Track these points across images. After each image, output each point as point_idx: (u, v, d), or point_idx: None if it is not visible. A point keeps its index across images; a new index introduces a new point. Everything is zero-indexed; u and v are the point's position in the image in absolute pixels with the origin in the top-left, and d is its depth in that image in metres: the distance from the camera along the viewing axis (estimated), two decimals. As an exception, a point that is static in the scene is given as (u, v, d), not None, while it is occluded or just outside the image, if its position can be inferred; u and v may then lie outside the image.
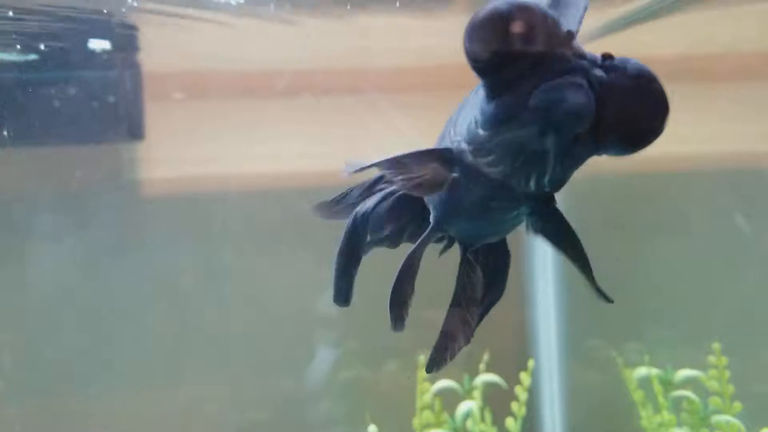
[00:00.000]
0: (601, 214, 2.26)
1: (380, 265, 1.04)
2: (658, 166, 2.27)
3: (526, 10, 0.72)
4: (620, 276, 2.29)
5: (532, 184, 0.81)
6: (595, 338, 2.24)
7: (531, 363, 1.85)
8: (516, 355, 2.20)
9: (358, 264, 1.11)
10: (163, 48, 2.01)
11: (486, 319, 2.25)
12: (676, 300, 2.22)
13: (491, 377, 1.84)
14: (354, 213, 1.11)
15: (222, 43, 1.98)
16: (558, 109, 0.72)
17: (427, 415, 1.83)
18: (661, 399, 1.79)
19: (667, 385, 1.81)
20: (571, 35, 0.75)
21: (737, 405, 1.78)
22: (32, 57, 1.74)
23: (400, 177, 0.87)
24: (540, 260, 2.30)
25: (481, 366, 1.93)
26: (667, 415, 1.74)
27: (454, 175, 0.87)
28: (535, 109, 0.73)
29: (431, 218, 0.98)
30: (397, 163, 0.87)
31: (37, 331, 2.09)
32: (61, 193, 2.12)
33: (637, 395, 1.87)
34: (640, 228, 2.26)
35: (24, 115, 1.92)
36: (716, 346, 1.80)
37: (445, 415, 1.86)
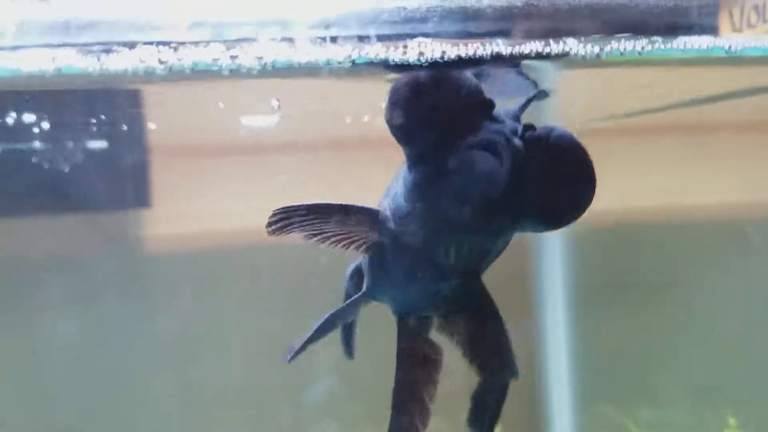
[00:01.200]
0: (609, 269, 2.24)
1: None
2: (673, 217, 2.26)
3: (441, 79, 0.72)
4: (631, 335, 2.28)
5: (452, 255, 0.79)
6: (608, 404, 2.20)
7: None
8: (527, 426, 2.17)
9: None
10: (165, 119, 2.04)
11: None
12: (690, 361, 2.19)
13: (502, 454, 1.81)
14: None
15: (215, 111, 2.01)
16: (469, 174, 0.71)
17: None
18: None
19: (683, 460, 1.78)
20: (491, 104, 0.73)
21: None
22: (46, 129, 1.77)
23: (328, 228, 0.85)
24: (551, 325, 2.27)
25: (493, 437, 1.90)
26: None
27: (381, 239, 0.85)
28: (455, 173, 0.72)
29: (364, 284, 0.96)
30: (328, 211, 0.85)
31: (46, 390, 2.09)
32: (70, 256, 2.14)
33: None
34: (650, 283, 2.24)
35: (35, 185, 1.96)
36: (731, 420, 1.77)
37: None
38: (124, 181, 2.08)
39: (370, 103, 1.19)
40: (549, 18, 0.69)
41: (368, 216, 0.84)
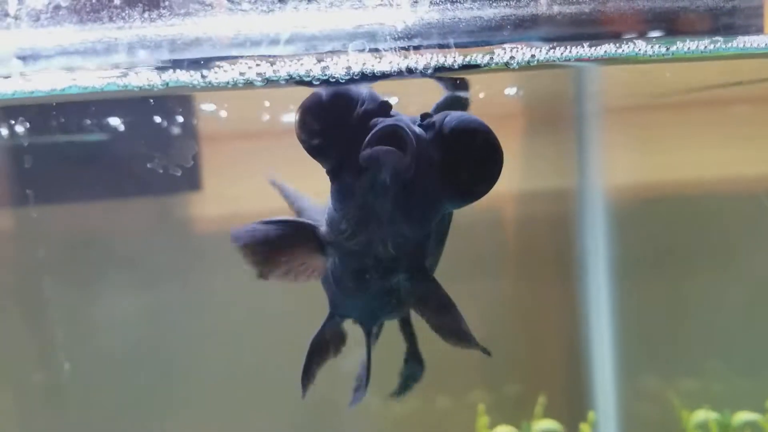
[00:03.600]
0: (651, 241, 2.26)
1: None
2: (715, 189, 2.27)
3: (336, 94, 0.77)
4: (672, 307, 2.31)
5: (390, 247, 0.83)
6: (650, 374, 2.24)
7: (591, 415, 1.88)
8: (572, 398, 2.21)
9: None
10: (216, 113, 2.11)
11: (541, 360, 2.30)
12: (732, 332, 2.22)
13: (550, 424, 1.87)
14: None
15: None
16: (377, 168, 0.74)
17: (487, 461, 1.87)
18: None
19: (726, 428, 1.83)
20: (387, 105, 0.78)
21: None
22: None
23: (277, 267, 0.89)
24: (594, 297, 2.31)
25: (538, 409, 1.96)
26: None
27: (327, 256, 0.89)
28: (364, 169, 0.75)
29: (328, 304, 1.02)
30: (273, 236, 0.88)
31: (106, 370, 2.19)
32: (126, 239, 2.22)
33: (695, 436, 1.89)
34: (692, 255, 2.26)
35: (96, 173, 2.05)
36: (774, 390, 1.81)
37: (505, 461, 1.90)
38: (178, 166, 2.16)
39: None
40: (616, 23, 0.74)
41: (306, 233, 0.88)
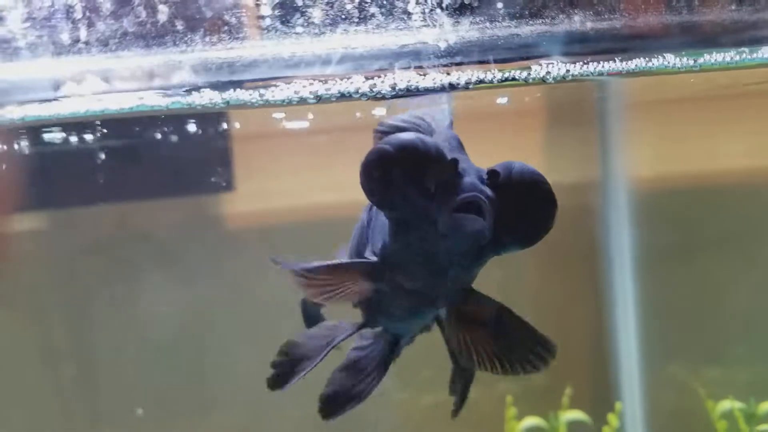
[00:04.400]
0: (674, 231, 2.28)
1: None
2: (737, 179, 2.28)
3: (409, 149, 0.77)
4: (697, 297, 2.33)
5: (444, 291, 0.87)
6: (676, 364, 2.26)
7: (618, 406, 1.91)
8: (598, 388, 2.25)
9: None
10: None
11: (567, 351, 2.32)
12: (756, 320, 2.23)
13: (577, 415, 1.91)
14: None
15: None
16: (461, 237, 0.77)
17: (518, 451, 1.91)
18: (746, 434, 1.83)
19: (752, 417, 1.86)
20: (456, 163, 0.79)
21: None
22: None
23: (323, 290, 0.89)
24: (620, 287, 2.33)
25: (564, 400, 1.99)
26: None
27: (378, 286, 0.90)
28: (443, 234, 0.78)
29: (362, 316, 1.04)
30: (325, 272, 0.88)
31: (140, 360, 2.26)
32: (164, 235, 2.30)
33: (721, 425, 1.91)
34: (715, 245, 2.27)
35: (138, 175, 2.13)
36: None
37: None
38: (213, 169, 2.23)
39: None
40: (646, 37, 0.78)
41: (361, 268, 0.90)
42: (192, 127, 1.88)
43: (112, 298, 2.25)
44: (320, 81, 0.76)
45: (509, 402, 1.97)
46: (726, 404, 1.88)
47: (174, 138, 1.97)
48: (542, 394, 2.25)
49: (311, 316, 1.30)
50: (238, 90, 0.76)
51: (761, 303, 2.22)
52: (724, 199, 2.25)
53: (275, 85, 0.76)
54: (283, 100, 0.77)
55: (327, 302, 0.91)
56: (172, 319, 2.28)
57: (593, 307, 2.37)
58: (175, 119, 1.81)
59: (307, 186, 2.30)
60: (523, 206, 0.81)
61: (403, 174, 0.77)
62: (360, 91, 0.77)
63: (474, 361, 0.94)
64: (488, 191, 0.79)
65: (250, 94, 0.76)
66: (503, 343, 0.95)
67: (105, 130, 1.67)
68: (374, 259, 0.89)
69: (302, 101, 0.77)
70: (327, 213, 2.34)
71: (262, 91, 0.76)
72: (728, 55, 0.80)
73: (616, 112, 2.24)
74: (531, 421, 1.94)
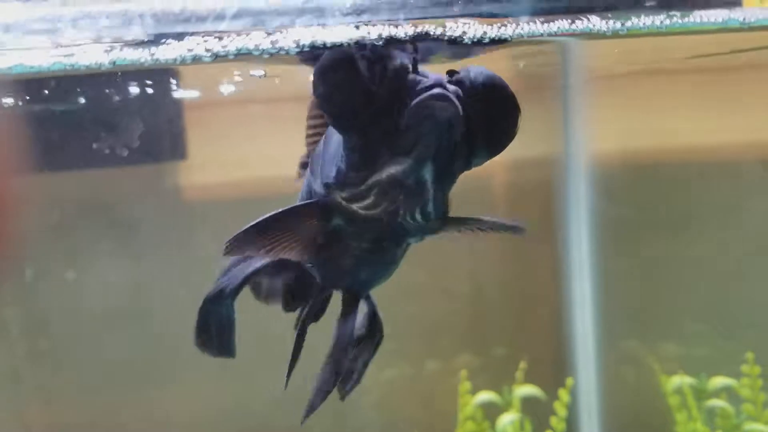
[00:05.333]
0: (633, 207, 2.27)
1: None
2: (698, 156, 2.27)
3: (366, 49, 0.71)
4: (654, 273, 2.32)
5: (418, 215, 0.78)
6: (632, 339, 2.27)
7: (570, 381, 1.90)
8: (555, 362, 2.24)
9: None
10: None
11: (526, 324, 2.31)
12: (712, 296, 2.24)
13: (530, 390, 1.90)
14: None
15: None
16: (432, 119, 0.70)
17: (470, 426, 1.90)
18: (694, 411, 1.83)
19: (701, 393, 1.86)
20: (415, 60, 0.74)
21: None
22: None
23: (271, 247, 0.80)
24: (576, 263, 2.32)
25: (519, 374, 1.98)
26: (701, 427, 1.79)
27: (335, 225, 0.82)
28: (409, 128, 0.71)
29: (317, 278, 0.95)
30: (269, 227, 0.80)
31: (94, 330, 2.21)
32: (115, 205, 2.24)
33: (673, 400, 1.91)
34: (673, 221, 2.27)
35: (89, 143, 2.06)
36: (749, 355, 1.83)
37: (486, 424, 1.93)
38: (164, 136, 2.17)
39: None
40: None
41: (310, 209, 0.81)
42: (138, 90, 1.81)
43: (61, 270, 2.20)
44: (216, 37, 0.70)
45: (463, 376, 1.95)
46: (677, 380, 1.87)
47: (118, 100, 1.90)
48: (502, 366, 2.25)
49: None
50: (124, 49, 0.70)
51: (718, 279, 2.22)
52: (685, 176, 2.24)
53: (165, 43, 0.69)
54: (175, 59, 0.71)
55: (274, 255, 0.81)
56: (123, 291, 2.24)
57: (551, 283, 2.36)
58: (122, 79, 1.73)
59: (263, 156, 2.25)
60: (487, 110, 0.76)
61: (361, 72, 0.71)
62: (261, 47, 0.71)
63: None
64: (453, 87, 0.73)
65: (140, 53, 0.70)
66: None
67: (45, 91, 1.60)
68: (324, 193, 0.80)
69: (196, 59, 0.71)
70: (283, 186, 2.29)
71: (152, 49, 0.70)
72: (658, 19, 0.75)
73: (580, 88, 2.21)
74: (485, 395, 1.92)
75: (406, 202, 0.76)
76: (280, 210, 0.80)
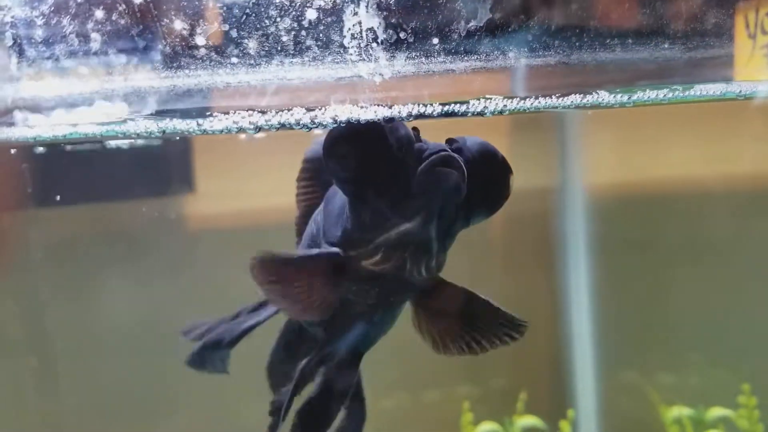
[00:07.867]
0: (630, 238, 2.31)
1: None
2: (692, 186, 2.32)
3: (370, 123, 0.79)
4: (651, 303, 2.37)
5: (423, 270, 0.84)
6: (630, 369, 2.30)
7: (571, 413, 1.94)
8: (555, 393, 2.27)
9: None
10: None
11: (525, 355, 2.35)
12: (709, 325, 2.27)
13: (531, 420, 1.94)
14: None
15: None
16: (442, 182, 0.77)
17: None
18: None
19: (700, 423, 1.90)
20: (416, 130, 0.81)
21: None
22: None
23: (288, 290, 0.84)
24: (575, 293, 2.36)
25: (519, 405, 2.02)
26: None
27: (344, 280, 0.86)
28: (419, 191, 0.77)
29: (320, 335, 0.98)
30: (294, 266, 0.84)
31: (103, 359, 2.24)
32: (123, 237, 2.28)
33: (673, 430, 1.95)
34: (670, 251, 2.31)
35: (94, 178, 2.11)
36: (745, 387, 1.88)
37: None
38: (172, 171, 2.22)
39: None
40: (581, 74, 0.79)
41: (328, 258, 0.85)
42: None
43: (72, 300, 2.23)
44: (259, 112, 0.75)
45: (465, 408, 1.99)
46: (676, 410, 1.92)
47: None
48: (501, 397, 2.28)
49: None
50: (175, 119, 0.75)
51: (715, 309, 2.26)
52: (680, 207, 2.28)
53: (213, 116, 0.75)
54: (222, 130, 0.77)
55: (293, 310, 0.87)
56: (133, 320, 2.27)
57: (550, 313, 2.40)
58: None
59: (269, 188, 2.29)
60: (483, 174, 0.82)
61: (367, 143, 0.77)
62: (301, 122, 0.77)
63: (441, 348, 0.95)
64: (454, 154, 0.80)
65: (188, 124, 0.76)
66: (471, 327, 0.96)
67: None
68: (334, 249, 0.85)
69: (241, 131, 0.77)
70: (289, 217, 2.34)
71: (200, 120, 0.75)
72: (661, 93, 0.81)
73: (576, 120, 2.26)
74: (487, 426, 1.96)
75: (413, 259, 0.83)
76: (308, 252, 0.86)
